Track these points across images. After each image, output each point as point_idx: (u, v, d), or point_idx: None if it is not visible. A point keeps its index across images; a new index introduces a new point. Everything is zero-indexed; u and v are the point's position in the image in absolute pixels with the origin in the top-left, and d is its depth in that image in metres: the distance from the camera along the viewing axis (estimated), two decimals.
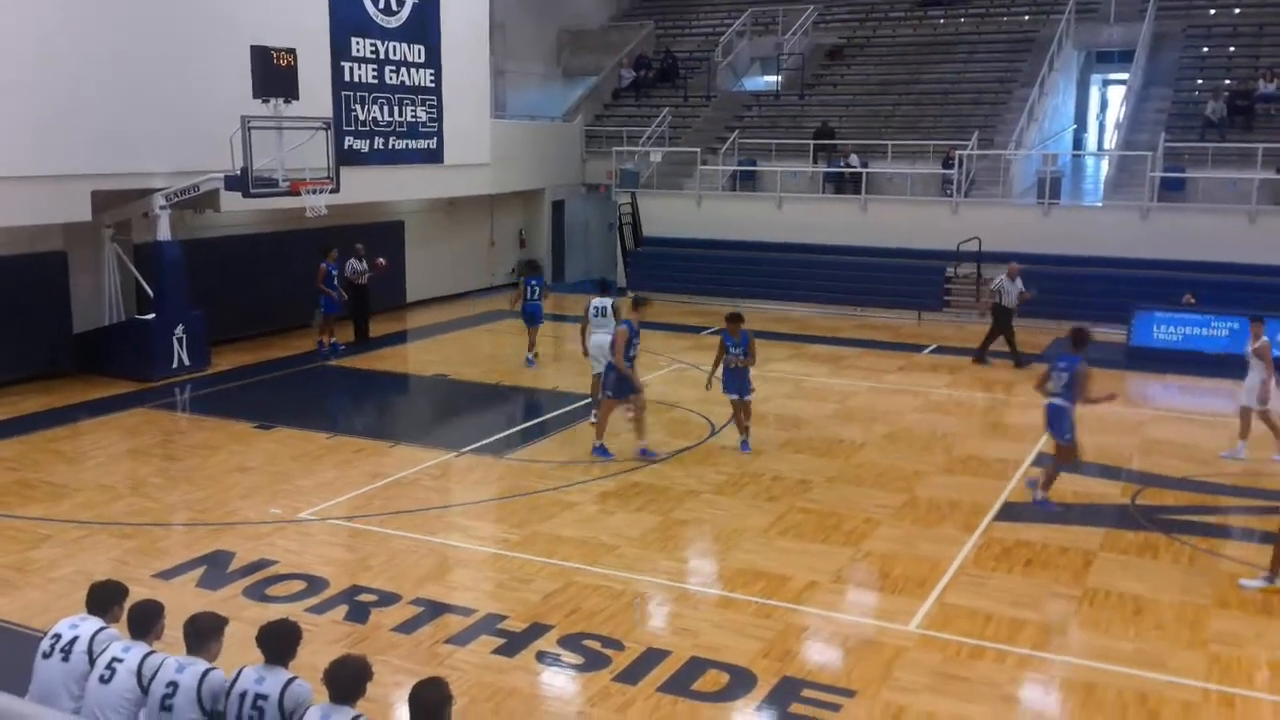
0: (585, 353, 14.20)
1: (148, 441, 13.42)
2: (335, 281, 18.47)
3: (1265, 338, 12.72)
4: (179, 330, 16.68)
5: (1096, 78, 34.75)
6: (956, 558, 9.79)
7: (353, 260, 19.45)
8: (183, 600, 8.52)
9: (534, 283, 17.68)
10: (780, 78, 29.43)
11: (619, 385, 12.57)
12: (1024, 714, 7.27)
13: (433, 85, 21.84)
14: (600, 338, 13.73)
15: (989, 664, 7.85)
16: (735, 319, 12.87)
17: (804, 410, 15.07)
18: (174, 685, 5.46)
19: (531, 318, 17.63)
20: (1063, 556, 9.82)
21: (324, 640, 7.93)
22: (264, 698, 5.32)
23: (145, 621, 5.87)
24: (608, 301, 14.21)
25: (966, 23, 29.64)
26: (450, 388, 16.88)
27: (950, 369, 17.80)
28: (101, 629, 5.88)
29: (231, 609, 7.60)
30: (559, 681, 7.65)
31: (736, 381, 12.92)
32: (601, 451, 12.71)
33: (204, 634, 5.65)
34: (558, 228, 28.09)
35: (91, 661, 5.71)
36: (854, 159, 24.41)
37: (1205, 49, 26.30)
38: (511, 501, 11.34)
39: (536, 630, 8.29)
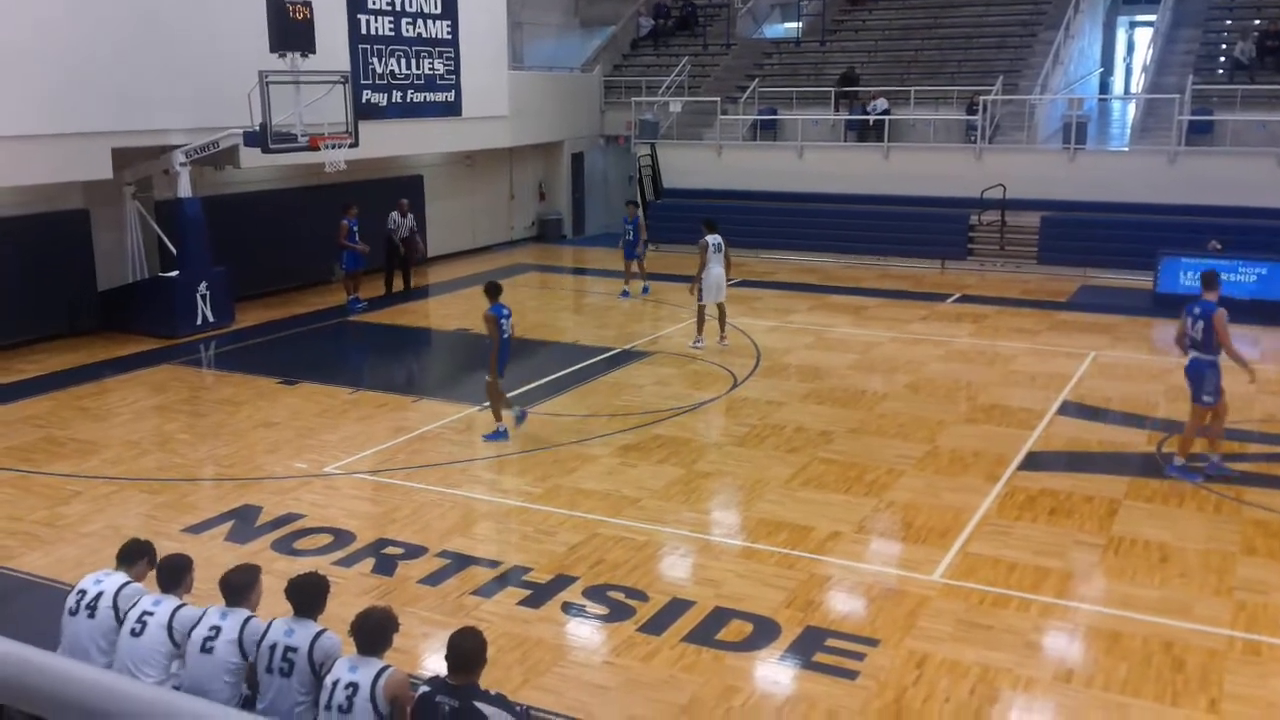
0: (699, 291, 15.44)
1: (173, 398, 13.52)
2: (356, 237, 18.48)
3: None
4: (202, 287, 16.76)
5: (1123, 20, 34.07)
6: (980, 507, 9.78)
7: (395, 214, 19.55)
8: (211, 554, 8.64)
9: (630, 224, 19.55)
10: (801, 24, 29.05)
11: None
12: (1048, 662, 7.28)
13: (450, 37, 21.67)
14: (718, 270, 15.37)
15: (1013, 613, 7.86)
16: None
17: (826, 361, 15.02)
18: (216, 630, 5.56)
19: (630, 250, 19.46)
20: (1087, 505, 9.79)
21: (352, 593, 8.02)
22: (294, 650, 5.40)
23: (175, 575, 5.96)
24: (719, 238, 15.47)
25: None
26: (472, 342, 16.88)
27: (974, 318, 17.69)
28: (126, 584, 5.96)
29: (260, 562, 7.63)
30: (584, 632, 7.72)
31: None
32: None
33: (237, 589, 5.73)
34: (577, 180, 27.95)
35: (118, 617, 5.80)
36: (881, 102, 24.09)
37: None
38: (534, 455, 11.38)
39: (561, 582, 8.35)
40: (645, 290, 19.63)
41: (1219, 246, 18.22)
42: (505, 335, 11.53)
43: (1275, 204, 19.68)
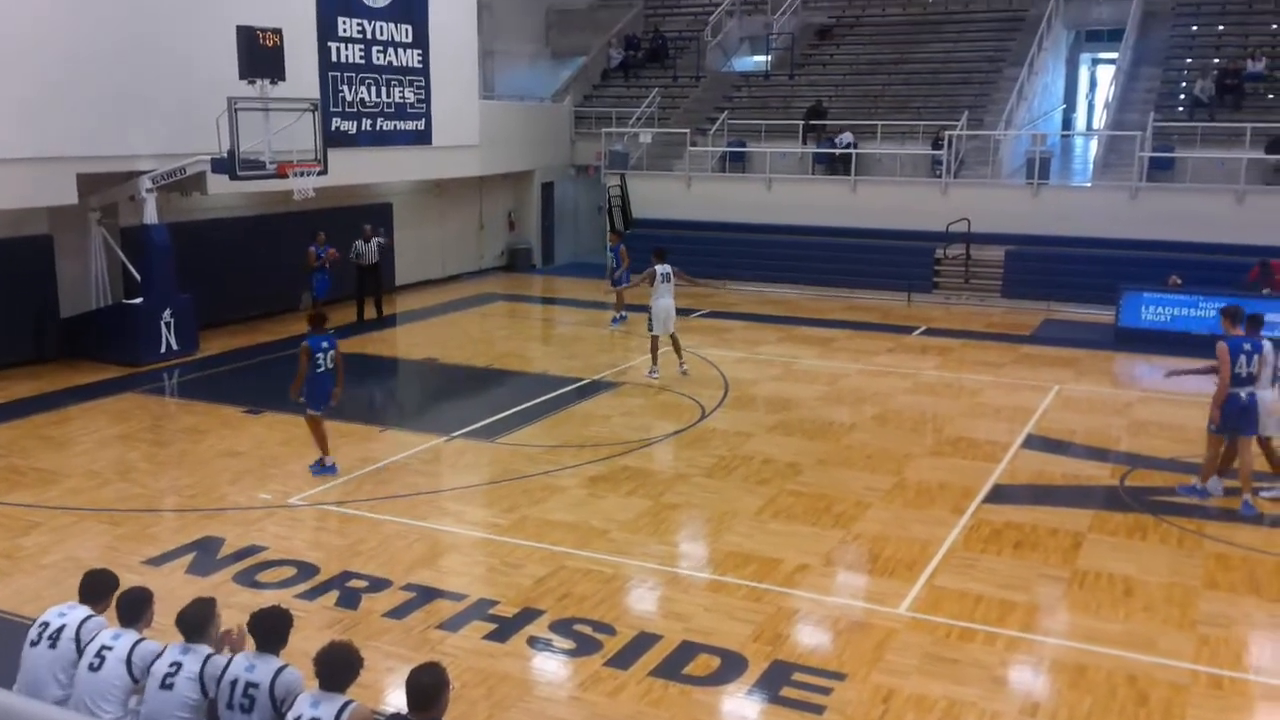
0: (649, 321, 15.76)
1: (136, 427, 13.36)
2: (325, 264, 18.35)
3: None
4: (167, 314, 16.60)
5: (1086, 57, 34.69)
6: (946, 540, 9.82)
7: (358, 242, 19.50)
8: (172, 587, 8.52)
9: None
10: (770, 57, 29.34)
11: None
12: (1014, 695, 7.30)
13: (420, 66, 21.70)
14: (667, 302, 15.52)
15: (979, 646, 7.89)
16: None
17: (793, 392, 15.08)
18: (177, 665, 5.49)
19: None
20: (1052, 538, 9.86)
21: (315, 626, 7.92)
22: (255, 685, 5.33)
23: (135, 609, 5.86)
24: (668, 268, 15.69)
25: (956, 1, 29.54)
26: (440, 371, 16.85)
27: (940, 350, 17.83)
28: (89, 617, 5.87)
29: (221, 595, 7.54)
30: (551, 666, 7.66)
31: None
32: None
33: (194, 625, 5.64)
34: (547, 209, 27.99)
35: (79, 649, 5.71)
36: (846, 136, 24.34)
37: (1194, 28, 26.28)
38: (502, 486, 11.33)
39: (528, 615, 8.29)
40: (617, 320, 19.65)
41: (1179, 281, 18.50)
42: (320, 368, 11.19)
43: (1234, 240, 20.00)
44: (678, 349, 15.84)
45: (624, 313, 19.71)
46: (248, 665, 5.40)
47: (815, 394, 15.04)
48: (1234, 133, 21.67)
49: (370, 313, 20.00)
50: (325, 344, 11.26)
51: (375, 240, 19.83)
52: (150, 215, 16.51)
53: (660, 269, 15.58)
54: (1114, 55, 27.35)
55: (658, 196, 25.46)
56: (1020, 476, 11.70)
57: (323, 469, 11.47)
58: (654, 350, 15.82)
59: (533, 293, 24.58)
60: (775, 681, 7.36)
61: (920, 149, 24.16)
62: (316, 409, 11.36)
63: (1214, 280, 18.67)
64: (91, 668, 5.61)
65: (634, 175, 25.76)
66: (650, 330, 15.76)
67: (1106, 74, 31.32)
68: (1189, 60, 25.14)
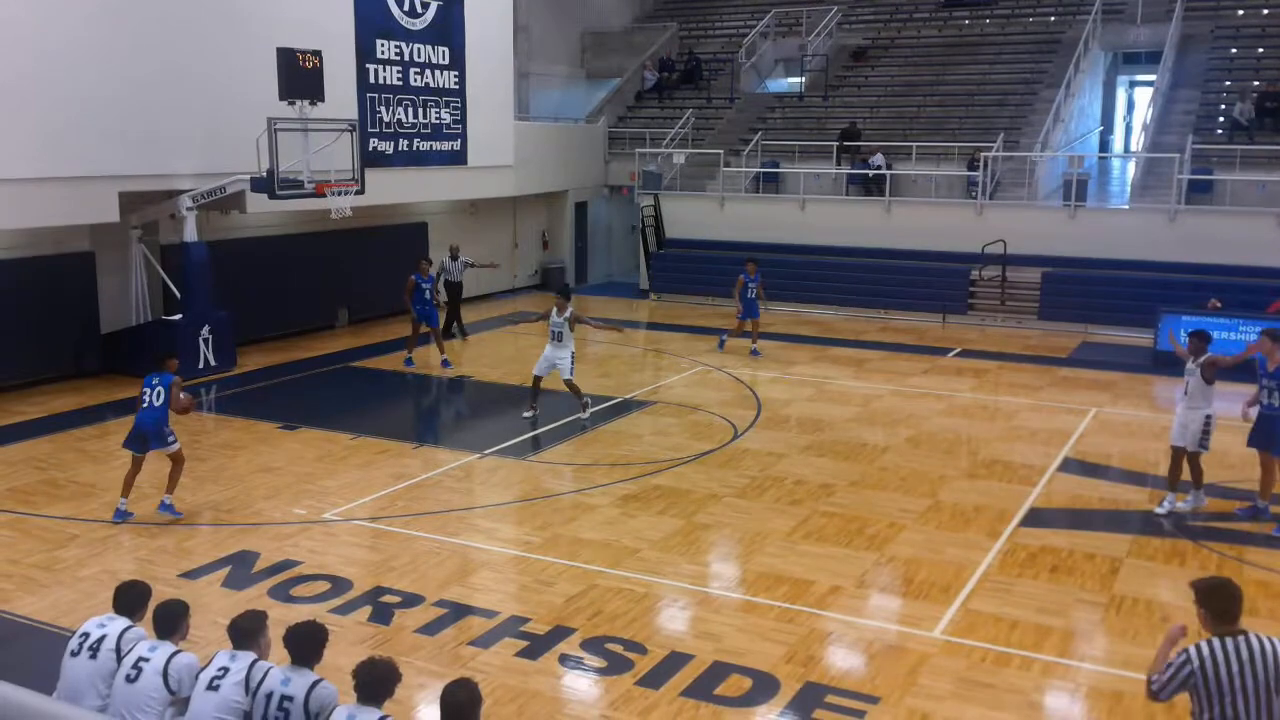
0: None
1: None
2: (428, 294, 17.63)
3: None
4: (205, 331, 16.81)
5: (1123, 79, 34.49)
6: (981, 563, 9.73)
7: (445, 259, 19.64)
8: (208, 600, 8.60)
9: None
10: (804, 79, 29.37)
11: None
12: None
13: (457, 87, 21.91)
14: (548, 349, 14.56)
15: (1014, 671, 7.80)
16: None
17: (827, 413, 15.02)
18: (224, 670, 5.57)
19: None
20: (1089, 563, 9.75)
21: (348, 641, 7.96)
22: (289, 699, 5.36)
23: (171, 621, 5.92)
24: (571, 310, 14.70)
25: (992, 23, 29.49)
26: (474, 389, 16.92)
27: (975, 373, 17.71)
28: (129, 628, 5.94)
29: (255, 609, 7.62)
30: (582, 685, 7.65)
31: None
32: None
33: (245, 633, 5.73)
34: (580, 229, 28.12)
35: (119, 660, 5.77)
36: (878, 158, 24.32)
37: (1233, 50, 26.07)
38: (534, 504, 11.35)
39: (559, 633, 8.29)
40: (756, 351, 18.74)
41: (1219, 305, 18.26)
42: (145, 404, 10.64)
43: (1274, 263, 19.78)
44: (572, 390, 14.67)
45: (756, 344, 18.85)
46: (283, 679, 5.43)
47: (849, 415, 14.97)
48: (1273, 155, 21.45)
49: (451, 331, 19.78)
50: (154, 381, 10.67)
51: (461, 260, 19.93)
52: (190, 233, 16.74)
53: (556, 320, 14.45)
54: (1152, 77, 27.17)
55: (691, 217, 25.51)
56: (1057, 500, 11.58)
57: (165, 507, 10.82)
58: (534, 390, 14.74)
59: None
60: (808, 704, 7.31)
61: (956, 170, 24.07)
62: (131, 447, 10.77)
63: (1254, 305, 18.41)
64: (129, 679, 5.66)
65: (667, 196, 25.84)
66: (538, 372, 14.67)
67: (1144, 96, 31.15)
68: (1228, 82, 24.93)
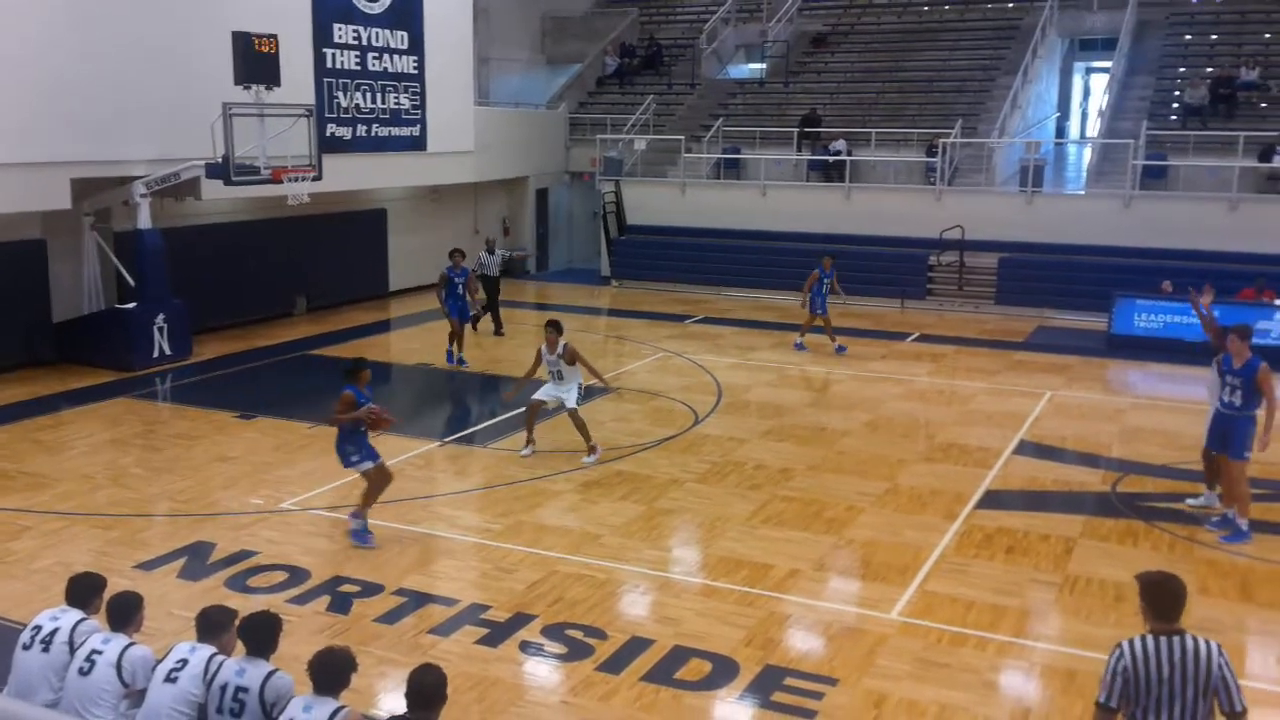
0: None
1: (129, 431, 13.34)
2: (461, 289, 16.84)
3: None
4: (160, 319, 16.59)
5: (1080, 65, 34.84)
6: (938, 545, 9.83)
7: (482, 253, 19.45)
8: (163, 592, 8.52)
9: None
10: (765, 65, 29.41)
11: None
12: (1005, 701, 7.31)
13: (416, 72, 21.73)
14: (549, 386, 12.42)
15: (970, 651, 7.89)
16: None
17: (786, 398, 15.09)
18: (183, 662, 5.51)
19: None
20: (1044, 544, 9.87)
21: (306, 631, 7.91)
22: (244, 690, 5.32)
23: (125, 613, 5.85)
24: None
25: (950, 10, 29.64)
26: (433, 377, 16.84)
27: (932, 357, 17.85)
28: (82, 620, 5.87)
29: (213, 600, 7.56)
30: (542, 671, 7.65)
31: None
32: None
33: (212, 626, 5.68)
34: (542, 216, 28.04)
35: (72, 653, 5.70)
36: (839, 143, 24.40)
37: (1188, 36, 26.39)
38: (495, 491, 11.33)
39: (520, 620, 8.29)
40: (841, 348, 17.95)
41: (1169, 287, 18.47)
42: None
43: (1227, 247, 20.07)
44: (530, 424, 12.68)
45: (838, 342, 18.08)
46: (238, 669, 5.39)
47: (808, 400, 15.05)
48: (1227, 141, 21.75)
49: (486, 323, 19.24)
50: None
51: (500, 252, 19.66)
52: (144, 220, 16.51)
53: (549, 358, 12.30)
54: (1108, 64, 27.47)
55: (652, 203, 25.50)
56: (1012, 482, 11.72)
57: None
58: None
59: (526, 298, 24.56)
60: (767, 686, 7.36)
61: (914, 156, 24.20)
62: None
63: (1221, 290, 18.62)
64: (81, 672, 5.60)
65: (629, 182, 25.80)
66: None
67: (1100, 82, 31.46)
68: (1182, 69, 25.23)
